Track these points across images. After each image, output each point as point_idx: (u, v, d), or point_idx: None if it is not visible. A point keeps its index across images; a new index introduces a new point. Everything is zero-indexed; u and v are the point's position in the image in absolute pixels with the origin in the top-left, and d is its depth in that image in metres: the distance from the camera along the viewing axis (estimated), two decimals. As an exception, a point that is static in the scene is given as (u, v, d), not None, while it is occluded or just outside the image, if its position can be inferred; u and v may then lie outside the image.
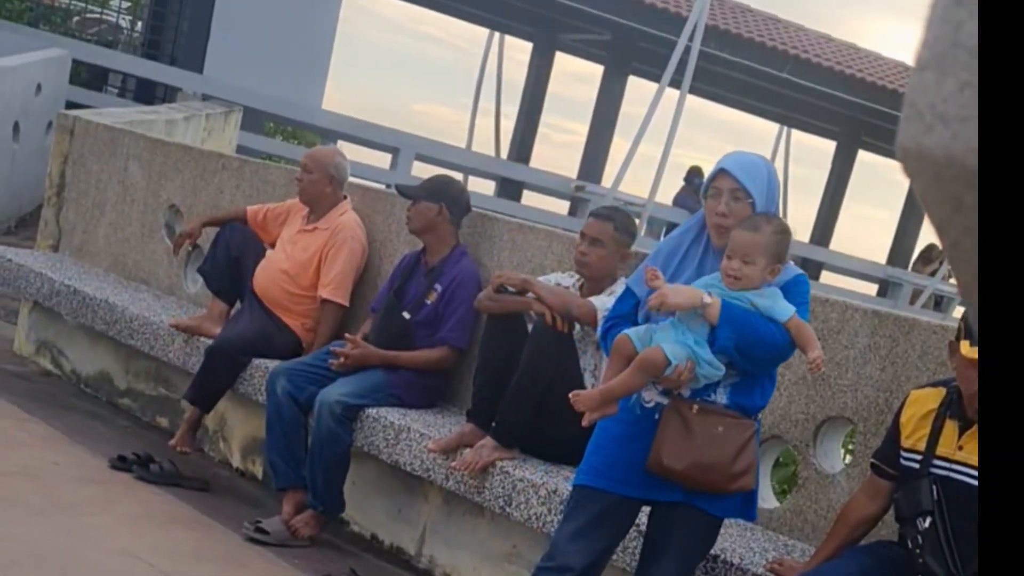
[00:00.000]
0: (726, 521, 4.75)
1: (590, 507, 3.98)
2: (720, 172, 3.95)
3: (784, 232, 3.89)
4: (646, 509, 4.08)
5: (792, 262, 4.03)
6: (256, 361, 6.12)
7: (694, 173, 18.53)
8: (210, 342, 6.30)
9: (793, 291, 3.92)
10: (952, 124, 0.83)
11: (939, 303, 19.67)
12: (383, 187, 7.84)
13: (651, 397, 3.91)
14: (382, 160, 17.31)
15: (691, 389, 3.85)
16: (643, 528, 4.18)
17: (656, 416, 3.89)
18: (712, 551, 4.27)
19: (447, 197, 5.89)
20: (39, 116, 11.86)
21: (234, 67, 16.18)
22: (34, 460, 5.84)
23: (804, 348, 3.79)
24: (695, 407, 3.83)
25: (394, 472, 5.59)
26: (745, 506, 4.00)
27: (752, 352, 3.81)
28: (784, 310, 3.81)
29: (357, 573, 5.12)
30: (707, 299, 3.77)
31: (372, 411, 5.54)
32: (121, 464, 6.03)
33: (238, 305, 6.61)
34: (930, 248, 20.27)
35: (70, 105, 12.19)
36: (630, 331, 3.87)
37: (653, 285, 3.83)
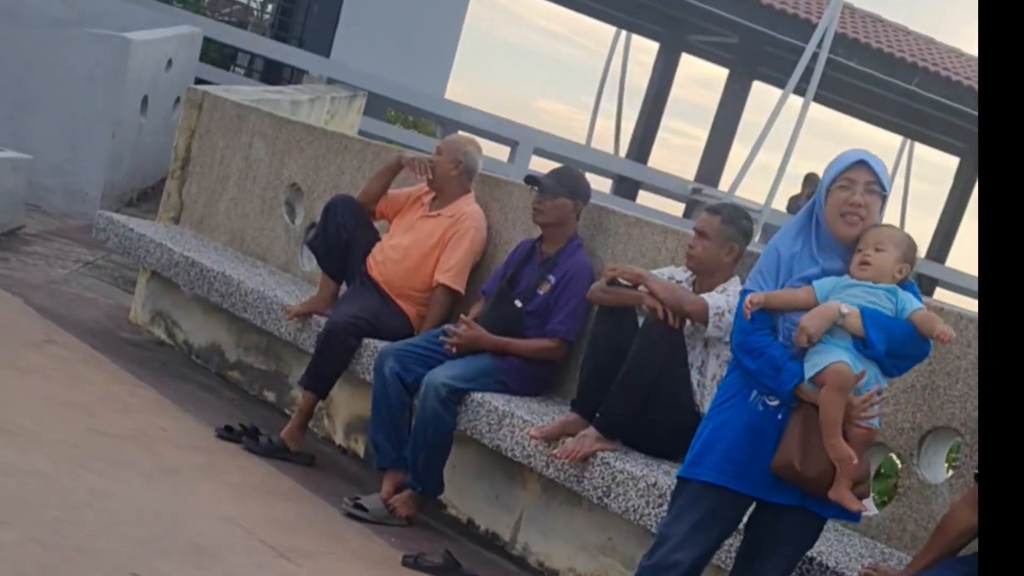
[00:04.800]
0: (828, 524, 4.72)
1: (703, 503, 3.95)
2: (859, 163, 3.90)
3: (914, 241, 3.95)
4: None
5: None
6: (366, 341, 6.17)
7: (811, 180, 18.30)
8: (322, 322, 6.36)
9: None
10: None
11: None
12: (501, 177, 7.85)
13: (775, 397, 3.89)
14: (500, 152, 17.38)
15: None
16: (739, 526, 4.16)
17: (779, 416, 3.86)
18: (809, 553, 4.23)
19: (581, 193, 5.90)
20: (168, 91, 12.11)
21: (360, 53, 16.36)
22: (144, 425, 5.96)
23: (931, 330, 3.76)
24: None
25: (495, 457, 5.61)
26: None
27: (900, 350, 3.81)
28: (911, 303, 3.83)
29: (451, 555, 5.15)
30: (844, 309, 3.77)
31: (477, 395, 5.56)
32: (227, 434, 6.13)
33: (344, 285, 6.67)
34: None
35: (198, 82, 12.45)
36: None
37: (753, 310, 3.90)
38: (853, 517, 4.00)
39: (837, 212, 3.91)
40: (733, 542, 4.28)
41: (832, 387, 3.76)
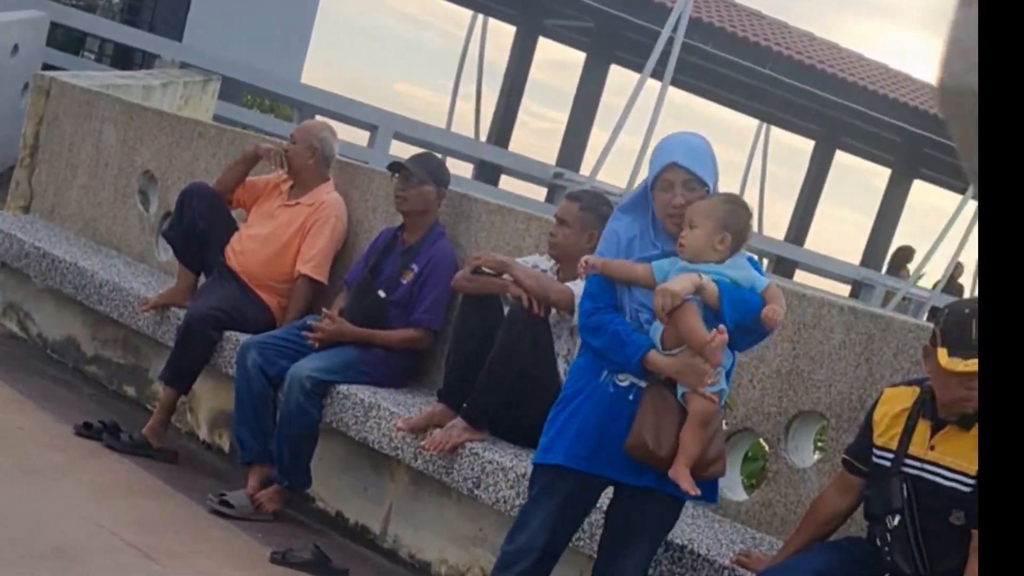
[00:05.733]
0: (695, 511, 4.76)
1: (559, 489, 3.96)
2: (671, 166, 3.88)
3: (734, 203, 3.87)
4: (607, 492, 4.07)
5: (756, 256, 3.98)
6: (227, 334, 6.05)
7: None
8: (181, 314, 6.22)
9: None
10: None
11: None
12: (360, 163, 7.77)
13: (625, 376, 3.89)
14: (360, 137, 17.23)
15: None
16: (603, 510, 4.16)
17: (631, 397, 3.87)
18: (680, 541, 4.26)
19: (444, 180, 5.85)
20: (15, 77, 11.72)
21: (213, 37, 16.07)
22: (-2, 423, 5.78)
23: (769, 301, 3.74)
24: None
25: (362, 450, 5.55)
26: (710, 489, 4.00)
27: (750, 326, 3.79)
28: (761, 280, 3.80)
29: (320, 549, 5.07)
30: (704, 280, 3.75)
31: (342, 388, 5.49)
32: (87, 432, 5.96)
33: (203, 276, 6.54)
34: (903, 250, 20.35)
35: (46, 68, 12.06)
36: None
37: (590, 274, 3.89)
38: (710, 498, 4.02)
39: (664, 213, 3.91)
40: (599, 526, 4.28)
41: (673, 287, 3.71)
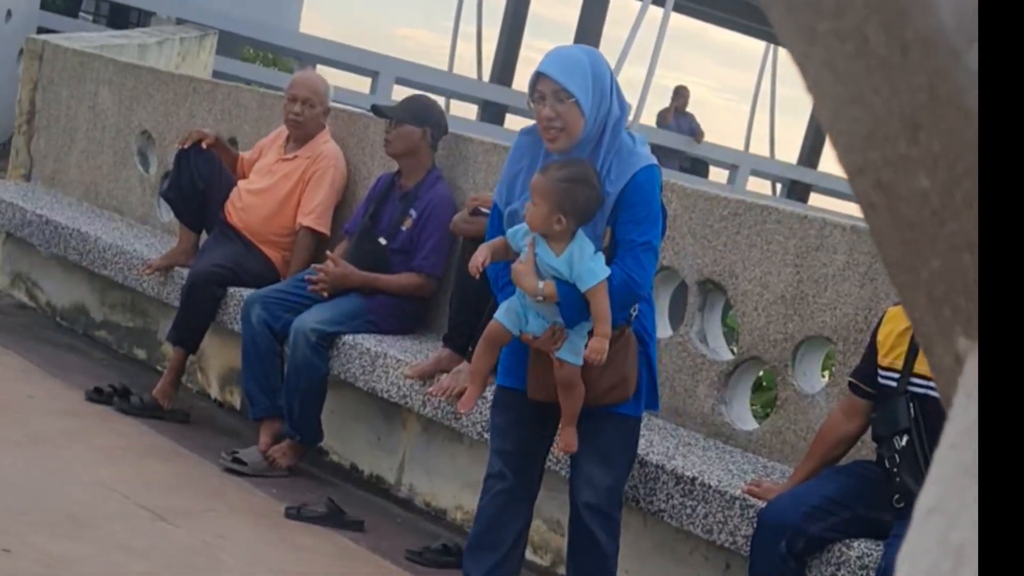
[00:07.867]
0: (704, 443, 4.73)
1: (511, 411, 4.02)
2: (539, 76, 3.81)
3: (572, 182, 3.69)
4: None
5: (649, 151, 3.86)
6: (231, 289, 6.03)
7: (680, 93, 18.26)
8: (185, 275, 6.20)
9: (636, 195, 3.78)
10: None
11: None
12: (363, 111, 7.70)
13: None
14: (361, 84, 17.12)
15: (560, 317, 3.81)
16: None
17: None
18: (690, 473, 4.23)
19: (431, 120, 5.78)
20: (10, 43, 11.67)
21: (209, -10, 15.91)
22: (8, 393, 5.78)
23: (594, 323, 3.72)
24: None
25: (372, 400, 5.53)
26: (650, 398, 4.04)
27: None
28: (587, 278, 3.69)
29: (334, 502, 5.07)
30: (540, 287, 3.72)
31: (348, 338, 5.47)
32: (97, 396, 5.96)
33: (204, 234, 6.50)
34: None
35: (42, 31, 12.01)
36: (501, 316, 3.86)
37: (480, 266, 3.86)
38: (653, 406, 4.12)
39: (541, 127, 3.83)
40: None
41: (481, 342, 3.93)
